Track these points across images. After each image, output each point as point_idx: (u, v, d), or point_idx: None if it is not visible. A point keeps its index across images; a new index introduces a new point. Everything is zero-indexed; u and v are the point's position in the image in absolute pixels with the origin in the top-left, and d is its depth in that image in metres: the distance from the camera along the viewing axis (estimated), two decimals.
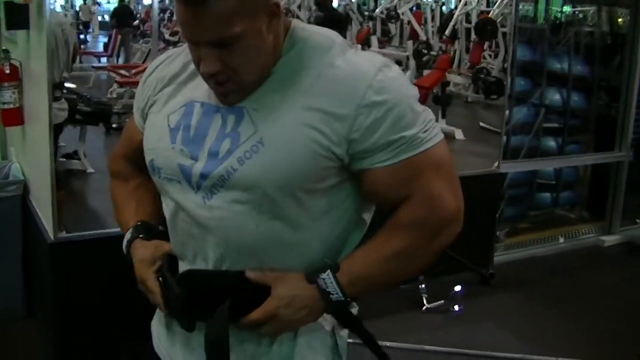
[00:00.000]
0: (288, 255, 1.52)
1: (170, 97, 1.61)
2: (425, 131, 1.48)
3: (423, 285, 4.34)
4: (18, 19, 3.45)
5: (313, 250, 1.53)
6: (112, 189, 1.88)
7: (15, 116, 3.86)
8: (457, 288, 4.35)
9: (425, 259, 1.56)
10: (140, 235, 1.69)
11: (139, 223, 1.73)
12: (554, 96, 5.85)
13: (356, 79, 1.44)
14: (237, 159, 1.45)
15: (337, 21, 10.93)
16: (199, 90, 1.55)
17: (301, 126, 1.43)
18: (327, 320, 1.58)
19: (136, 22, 15.62)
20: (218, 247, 1.51)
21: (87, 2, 17.20)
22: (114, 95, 9.30)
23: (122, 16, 15.17)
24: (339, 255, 1.56)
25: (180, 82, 1.61)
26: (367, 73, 1.45)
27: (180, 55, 1.64)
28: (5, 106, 3.84)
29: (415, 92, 1.52)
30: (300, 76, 1.47)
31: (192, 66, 1.54)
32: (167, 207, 1.62)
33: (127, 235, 1.71)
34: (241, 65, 1.43)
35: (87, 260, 3.31)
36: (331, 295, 1.49)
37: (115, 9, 15.94)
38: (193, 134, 1.53)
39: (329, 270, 1.49)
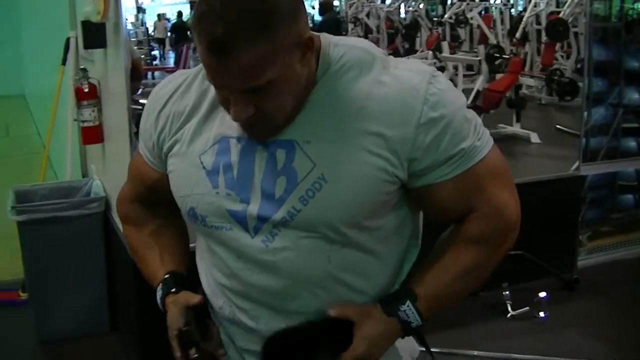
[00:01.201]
0: (358, 282, 1.47)
1: (195, 134, 1.47)
2: (479, 139, 1.43)
3: (507, 292, 4.27)
4: (95, 38, 3.52)
5: (381, 273, 1.50)
6: (128, 237, 1.75)
7: (95, 134, 3.93)
8: (542, 294, 4.26)
9: (492, 269, 1.53)
10: (172, 290, 1.57)
11: (167, 276, 1.60)
12: (633, 95, 5.68)
13: (409, 96, 1.36)
14: (299, 198, 1.36)
15: (337, 24, 10.87)
16: (230, 123, 1.40)
17: (362, 155, 1.35)
18: (404, 349, 1.57)
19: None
20: (286, 288, 1.43)
21: (161, 19, 17.39)
22: None
23: (180, 31, 15.52)
24: (400, 274, 1.54)
25: (203, 115, 1.47)
26: (418, 88, 1.37)
27: (193, 84, 1.50)
28: (85, 124, 3.92)
29: (464, 99, 1.46)
30: (345, 99, 1.37)
31: (210, 95, 1.45)
32: (214, 256, 1.51)
33: (159, 293, 1.60)
34: (275, 107, 1.32)
35: None
36: (411, 324, 1.46)
37: (173, 24, 16.27)
38: (237, 175, 1.42)
39: (408, 301, 1.45)
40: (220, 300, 1.53)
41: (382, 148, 1.35)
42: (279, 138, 1.38)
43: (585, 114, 5.12)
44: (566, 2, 10.94)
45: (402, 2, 14.85)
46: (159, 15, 18.07)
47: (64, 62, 4.40)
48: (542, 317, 4.21)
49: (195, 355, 1.45)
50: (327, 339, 1.44)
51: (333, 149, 1.36)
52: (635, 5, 6.23)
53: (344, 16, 15.70)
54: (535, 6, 11.52)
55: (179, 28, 15.84)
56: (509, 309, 4.24)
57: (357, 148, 1.35)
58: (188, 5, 19.12)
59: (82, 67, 4.01)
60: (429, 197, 1.43)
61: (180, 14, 17.45)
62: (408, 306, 1.44)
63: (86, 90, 3.85)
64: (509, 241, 1.51)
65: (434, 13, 15.11)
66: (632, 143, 5.73)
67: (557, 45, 11.11)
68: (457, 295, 1.52)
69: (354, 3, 16.52)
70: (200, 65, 1.46)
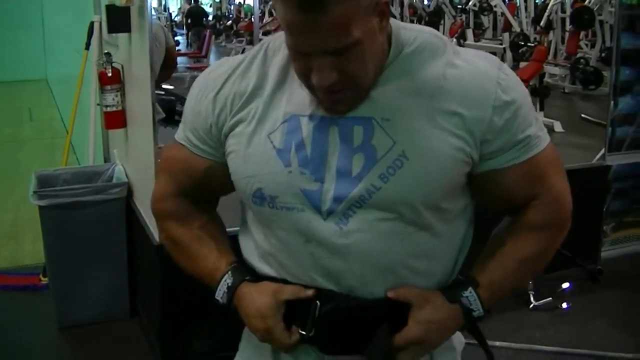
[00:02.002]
0: (427, 266, 1.45)
1: (262, 114, 1.43)
2: (541, 128, 1.45)
3: (530, 282, 4.23)
4: (119, 22, 3.50)
5: (446, 258, 1.48)
6: (170, 233, 1.63)
7: (118, 119, 3.93)
8: (565, 285, 4.23)
9: (550, 257, 1.53)
10: (247, 278, 1.50)
11: (235, 264, 1.54)
12: None
13: (483, 78, 1.38)
14: (379, 175, 1.34)
15: None
16: (298, 101, 1.40)
17: (442, 134, 1.35)
18: (457, 341, 1.56)
19: (229, 22, 15.87)
20: (356, 272, 1.40)
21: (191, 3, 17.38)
22: None
23: (196, 16, 15.60)
24: (458, 260, 1.51)
25: (268, 94, 1.44)
26: (490, 72, 1.39)
27: (252, 65, 1.47)
28: (109, 109, 3.92)
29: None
30: (422, 78, 1.37)
31: (274, 75, 1.43)
32: (280, 241, 1.45)
33: (227, 280, 1.51)
34: (359, 71, 1.30)
35: None
36: (473, 312, 1.44)
37: (189, 9, 16.34)
38: (311, 153, 1.38)
39: (470, 288, 1.44)
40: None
41: (460, 128, 1.36)
42: (356, 115, 1.36)
43: (612, 103, 5.06)
44: None
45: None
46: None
47: (87, 46, 4.38)
48: (565, 308, 4.18)
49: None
50: (384, 319, 1.42)
51: (413, 127, 1.35)
52: None
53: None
54: None
55: (195, 13, 15.90)
56: (532, 299, 4.20)
57: (437, 127, 1.35)
58: None
59: (106, 51, 3.99)
60: (494, 181, 1.44)
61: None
62: (470, 292, 1.44)
63: (110, 74, 3.84)
64: (566, 230, 1.52)
65: (457, 0, 15.02)
66: None
67: (582, 34, 11.03)
68: (517, 284, 1.55)
69: None
70: (257, 47, 1.48)
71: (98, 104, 4.24)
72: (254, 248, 1.53)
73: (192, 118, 1.52)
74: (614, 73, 5.05)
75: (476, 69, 1.39)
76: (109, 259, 3.96)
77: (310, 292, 1.43)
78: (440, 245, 1.45)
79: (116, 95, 3.86)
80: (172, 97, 5.34)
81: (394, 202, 1.36)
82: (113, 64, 3.86)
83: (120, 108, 3.89)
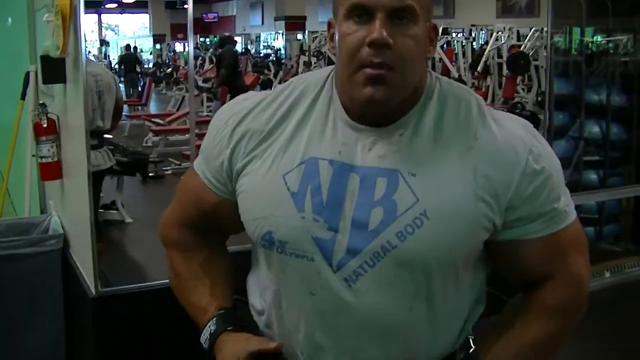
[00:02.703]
0: (429, 334, 1.40)
1: (278, 153, 1.39)
2: (568, 204, 1.42)
3: None
4: (54, 73, 3.47)
5: (453, 327, 1.44)
6: (173, 264, 1.61)
7: (53, 170, 3.87)
8: None
9: (560, 345, 1.48)
10: (229, 328, 1.47)
11: (222, 311, 1.50)
12: (593, 128, 5.76)
13: (516, 143, 1.35)
14: (396, 233, 1.30)
15: (235, 56, 11.46)
16: (319, 144, 1.37)
17: (468, 196, 1.31)
18: None
19: (169, 69, 15.94)
20: (359, 333, 1.36)
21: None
22: (149, 144, 9.37)
23: (129, 62, 15.73)
24: (465, 327, 1.46)
25: (288, 134, 1.40)
26: (524, 138, 1.36)
27: (274, 103, 1.44)
28: (44, 160, 3.85)
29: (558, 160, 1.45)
30: (453, 133, 1.34)
31: (297, 114, 1.39)
32: (284, 289, 1.41)
33: (210, 327, 1.48)
34: (409, 52, 1.29)
35: (129, 314, 3.27)
36: None
37: (122, 56, 16.47)
38: (327, 200, 1.33)
39: None
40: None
41: (486, 191, 1.32)
42: (381, 165, 1.32)
43: None
44: (527, 36, 11.12)
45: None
46: (127, 46, 18.11)
47: (23, 96, 4.34)
48: None
49: None
50: None
51: (438, 185, 1.31)
52: (595, 38, 6.32)
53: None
54: (496, 40, 11.69)
55: (128, 60, 16.03)
56: None
57: (464, 188, 1.32)
58: (151, 39, 19.21)
59: (41, 102, 3.95)
60: (513, 252, 1.40)
61: (128, 46, 17.63)
62: None
63: (45, 125, 3.79)
64: (581, 317, 1.48)
65: None
66: (593, 176, 5.80)
67: (518, 79, 11.25)
68: None
69: (317, 37, 16.65)
70: (284, 85, 1.45)
71: (33, 155, 4.18)
72: (259, 289, 1.50)
73: (209, 150, 1.50)
74: (548, 118, 5.16)
75: (509, 133, 1.36)
76: (44, 312, 3.87)
77: (273, 345, 1.41)
78: (447, 315, 1.40)
79: (52, 146, 3.80)
80: (111, 147, 5.32)
81: (409, 263, 1.31)
82: (48, 115, 3.81)
83: (55, 159, 3.83)
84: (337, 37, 1.34)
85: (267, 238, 1.38)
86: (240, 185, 1.44)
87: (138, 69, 16.43)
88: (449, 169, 1.32)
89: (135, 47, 18.24)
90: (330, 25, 1.38)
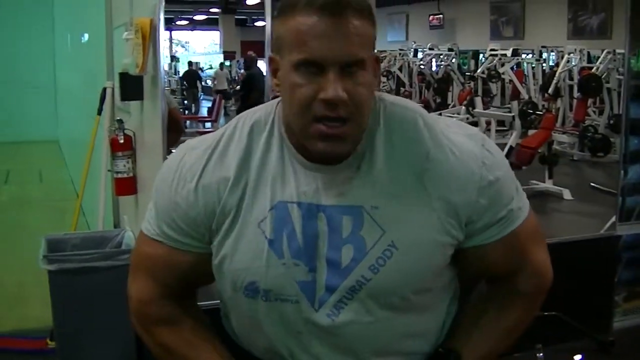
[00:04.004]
0: (415, 344, 1.46)
1: (248, 200, 1.39)
2: (521, 200, 1.47)
3: (541, 354, 4.17)
4: (133, 90, 3.54)
5: (433, 330, 1.50)
6: (161, 340, 1.52)
7: (128, 185, 3.94)
8: (578, 357, 4.17)
9: (527, 327, 1.56)
10: None
11: None
12: None
13: (468, 159, 1.39)
14: (369, 267, 1.34)
15: (259, 81, 10.71)
16: (283, 188, 1.37)
17: (430, 219, 1.36)
18: None
19: (238, 86, 16.14)
20: (345, 357, 1.41)
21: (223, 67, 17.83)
22: None
23: (190, 79, 16.06)
24: (443, 330, 1.52)
25: (253, 180, 1.39)
26: (475, 152, 1.40)
27: (229, 148, 1.42)
28: (119, 175, 3.93)
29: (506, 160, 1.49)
30: (406, 159, 1.37)
31: (255, 158, 1.39)
32: (269, 328, 1.42)
33: None
34: (364, 101, 1.30)
35: None
36: None
37: (185, 72, 16.80)
38: (303, 243, 1.35)
39: None
40: None
41: (447, 212, 1.36)
42: (344, 203, 1.35)
43: (622, 172, 5.06)
44: (598, 57, 10.94)
45: (434, 56, 14.92)
46: (221, 64, 18.46)
47: (99, 111, 4.42)
48: None
49: None
50: None
51: (401, 214, 1.35)
52: None
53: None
54: (567, 62, 11.52)
55: (191, 76, 16.44)
56: None
57: (425, 212, 1.36)
58: (221, 56, 19.43)
59: (118, 118, 4.02)
60: (478, 256, 1.45)
61: (190, 63, 17.97)
62: None
63: (121, 141, 3.87)
64: (543, 298, 1.56)
65: (465, 67, 15.13)
66: None
67: (590, 101, 11.07)
68: (501, 352, 1.54)
69: (385, 56, 16.62)
70: (229, 127, 1.43)
71: (109, 170, 4.26)
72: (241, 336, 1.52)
73: (167, 210, 1.44)
74: (624, 142, 5.06)
75: (461, 150, 1.39)
76: (117, 326, 3.90)
77: None
78: (429, 321, 1.47)
79: (127, 162, 3.88)
80: None
81: (384, 292, 1.36)
82: (125, 131, 3.88)
83: (131, 175, 3.90)
84: (284, 82, 1.33)
85: (250, 288, 1.39)
86: (219, 236, 1.42)
87: (198, 85, 16.90)
88: (407, 196, 1.36)
89: (197, 64, 18.64)
90: (272, 60, 1.36)
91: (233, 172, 1.40)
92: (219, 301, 1.57)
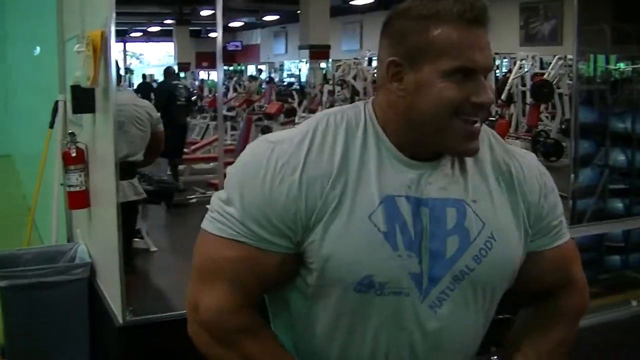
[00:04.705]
0: (475, 346, 1.51)
1: (354, 194, 1.35)
2: (564, 218, 1.57)
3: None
4: (84, 103, 3.51)
5: (479, 341, 1.53)
6: (247, 351, 1.41)
7: (81, 199, 3.90)
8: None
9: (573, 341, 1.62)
10: None
11: None
12: (618, 156, 5.73)
13: (533, 167, 1.51)
14: (473, 257, 1.38)
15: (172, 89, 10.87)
16: (388, 182, 1.37)
17: (513, 217, 1.45)
18: None
19: (193, 97, 16.06)
20: (436, 357, 1.43)
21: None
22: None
23: (143, 91, 15.98)
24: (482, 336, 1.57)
25: (355, 173, 1.37)
26: (533, 162, 1.53)
27: (324, 144, 1.38)
28: (72, 189, 3.89)
29: None
30: (487, 163, 1.47)
31: (355, 154, 1.38)
32: (376, 332, 1.39)
33: None
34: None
35: (156, 343, 3.29)
36: None
37: (139, 85, 16.68)
38: (414, 235, 1.36)
39: None
40: None
41: (522, 212, 1.46)
42: (448, 196, 1.40)
43: (573, 175, 5.14)
44: (550, 64, 11.11)
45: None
46: (177, 75, 18.43)
47: (51, 125, 4.38)
48: None
49: None
50: None
51: (494, 209, 1.43)
52: (619, 65, 6.31)
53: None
54: (520, 68, 11.68)
55: (143, 89, 16.31)
56: None
57: (508, 210, 1.45)
58: (176, 67, 19.38)
59: (70, 131, 3.99)
60: (531, 264, 1.51)
61: (144, 76, 17.90)
62: None
63: (74, 154, 3.83)
64: (583, 315, 1.64)
65: None
66: (618, 204, 5.75)
67: (542, 107, 11.24)
68: None
69: (340, 65, 16.69)
70: (317, 122, 1.42)
71: (61, 184, 4.22)
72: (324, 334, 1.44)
73: (260, 207, 1.35)
74: (574, 146, 5.14)
75: (524, 159, 1.51)
76: (71, 340, 3.89)
77: None
78: (484, 329, 1.51)
79: (80, 175, 3.84)
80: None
81: (484, 282, 1.42)
82: (77, 144, 3.85)
83: (83, 188, 3.87)
84: (422, 87, 1.35)
85: (365, 282, 1.34)
86: (317, 233, 1.35)
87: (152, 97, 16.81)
88: (494, 193, 1.44)
89: (151, 76, 18.59)
90: (396, 64, 1.36)
91: (336, 167, 1.36)
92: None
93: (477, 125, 1.37)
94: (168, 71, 12.14)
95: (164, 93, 10.06)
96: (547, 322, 1.58)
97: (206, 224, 1.41)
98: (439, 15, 1.32)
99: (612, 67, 6.13)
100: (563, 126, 10.05)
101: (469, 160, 1.44)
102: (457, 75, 1.33)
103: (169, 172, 9.12)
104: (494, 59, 12.98)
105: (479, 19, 1.32)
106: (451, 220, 1.38)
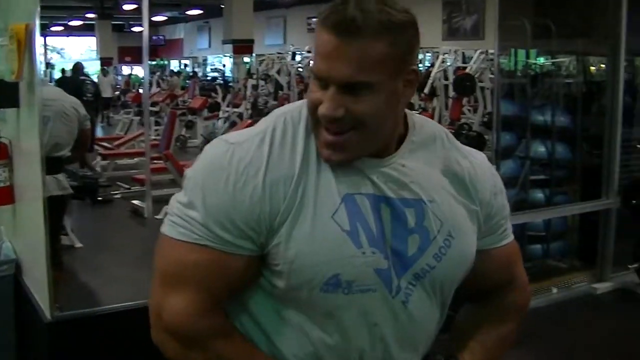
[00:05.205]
0: (431, 341, 1.52)
1: (315, 194, 1.34)
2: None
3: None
4: (8, 97, 3.45)
5: (434, 335, 1.56)
6: (221, 353, 1.39)
7: (5, 195, 3.83)
8: None
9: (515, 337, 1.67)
10: None
11: None
12: (539, 148, 5.88)
13: (485, 167, 1.54)
14: (433, 255, 1.41)
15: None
16: (347, 180, 1.37)
17: (466, 215, 1.48)
18: None
19: (117, 92, 15.83)
20: (406, 349, 1.45)
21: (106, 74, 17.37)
22: (98, 168, 9.29)
23: (62, 87, 15.65)
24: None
25: (314, 173, 1.36)
26: (485, 162, 1.56)
27: (285, 142, 1.37)
28: None
29: None
30: (441, 162, 1.48)
31: (312, 153, 1.37)
32: (347, 331, 1.39)
33: None
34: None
35: (84, 339, 3.26)
36: None
37: (59, 80, 16.31)
38: (376, 232, 1.37)
39: None
40: None
41: (474, 210, 1.48)
42: (406, 196, 1.40)
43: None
44: (472, 58, 11.30)
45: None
46: (103, 69, 18.03)
47: None
48: None
49: None
50: None
51: (449, 208, 1.44)
52: (539, 60, 6.46)
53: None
54: (442, 62, 11.85)
55: (65, 84, 15.99)
56: None
57: (462, 209, 1.46)
58: (98, 62, 19.09)
59: None
60: (477, 261, 1.52)
61: (63, 70, 17.53)
62: None
63: None
64: (527, 311, 1.70)
65: None
66: (539, 194, 5.91)
67: (464, 100, 11.42)
68: None
69: (264, 60, 16.67)
70: (275, 120, 1.41)
71: None
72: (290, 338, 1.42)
73: (223, 210, 1.33)
74: (496, 139, 5.26)
75: (477, 159, 1.53)
76: None
77: None
78: (439, 322, 1.52)
79: (4, 171, 3.76)
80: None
81: (443, 279, 1.44)
82: (1, 139, 3.78)
83: (8, 184, 3.80)
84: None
85: (332, 282, 1.34)
86: (281, 235, 1.34)
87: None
88: (449, 192, 1.46)
89: (63, 70, 18.27)
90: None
91: (297, 167, 1.35)
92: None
93: (334, 136, 1.32)
94: (76, 67, 12.18)
95: (70, 88, 9.94)
96: (492, 318, 1.61)
97: (167, 229, 1.38)
98: (318, 19, 1.31)
99: (532, 61, 6.28)
100: (485, 119, 10.22)
101: (422, 160, 1.44)
102: (318, 80, 1.32)
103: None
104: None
105: (342, 27, 1.25)
106: (411, 220, 1.40)
